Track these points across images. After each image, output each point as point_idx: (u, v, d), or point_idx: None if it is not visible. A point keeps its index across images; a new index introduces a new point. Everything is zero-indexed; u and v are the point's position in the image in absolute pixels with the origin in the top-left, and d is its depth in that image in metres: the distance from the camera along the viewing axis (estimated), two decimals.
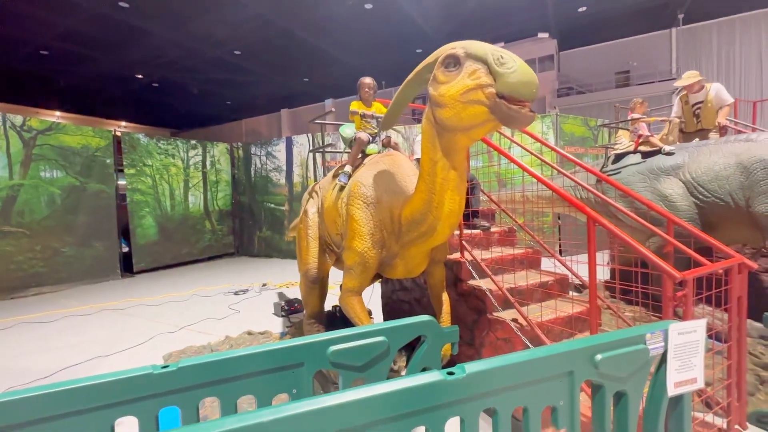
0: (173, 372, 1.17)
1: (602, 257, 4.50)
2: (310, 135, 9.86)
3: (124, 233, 8.67)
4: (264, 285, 6.80)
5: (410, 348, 2.47)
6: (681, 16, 15.30)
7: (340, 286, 2.48)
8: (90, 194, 7.84)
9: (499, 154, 2.47)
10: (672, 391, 1.33)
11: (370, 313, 2.95)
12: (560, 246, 7.46)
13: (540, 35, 22.85)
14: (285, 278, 7.31)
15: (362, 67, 16.34)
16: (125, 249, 8.66)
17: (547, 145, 3.15)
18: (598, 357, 1.21)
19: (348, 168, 2.62)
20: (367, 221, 2.17)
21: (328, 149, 3.83)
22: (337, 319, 3.88)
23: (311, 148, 9.53)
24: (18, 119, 6.97)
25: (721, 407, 1.88)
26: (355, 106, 2.83)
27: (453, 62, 1.62)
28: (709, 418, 1.97)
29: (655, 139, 4.23)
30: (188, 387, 1.18)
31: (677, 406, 1.40)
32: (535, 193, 5.51)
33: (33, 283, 6.92)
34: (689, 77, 4.34)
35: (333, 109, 3.39)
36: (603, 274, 4.21)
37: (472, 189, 3.28)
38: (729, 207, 3.38)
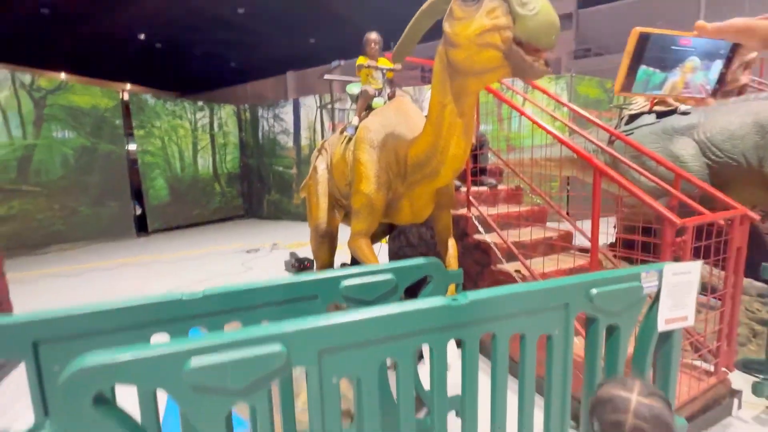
0: (200, 299, 1.28)
1: (608, 222, 4.52)
2: (317, 96, 9.70)
3: (137, 195, 8.86)
4: (274, 245, 7.00)
5: (413, 294, 2.60)
6: None
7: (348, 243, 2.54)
8: (101, 155, 7.95)
9: (509, 115, 2.44)
10: (662, 326, 1.42)
11: None
12: (567, 210, 7.47)
13: None
14: (294, 239, 7.49)
15: (371, 26, 15.73)
16: (139, 210, 8.88)
17: (561, 102, 3.10)
18: (594, 291, 1.29)
19: (355, 120, 2.65)
20: (373, 164, 2.21)
21: (337, 105, 3.82)
22: None
23: (318, 108, 9.40)
24: (27, 78, 6.96)
25: (710, 350, 1.98)
26: (362, 60, 2.82)
27: None
28: (698, 363, 2.09)
29: (672, 99, 4.12)
30: (214, 312, 1.30)
31: (667, 342, 1.49)
32: (544, 156, 5.45)
33: (54, 240, 7.20)
34: None
35: (341, 63, 3.33)
36: (607, 239, 4.27)
37: (480, 146, 3.28)
38: (741, 167, 3.35)
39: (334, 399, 1.04)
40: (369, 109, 2.81)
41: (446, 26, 1.63)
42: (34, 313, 1.12)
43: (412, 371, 1.12)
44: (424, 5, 1.77)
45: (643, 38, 0.81)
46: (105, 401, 0.87)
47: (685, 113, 3.84)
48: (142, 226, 8.80)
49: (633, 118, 4.44)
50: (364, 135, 2.31)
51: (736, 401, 2.01)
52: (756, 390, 2.03)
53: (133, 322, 1.20)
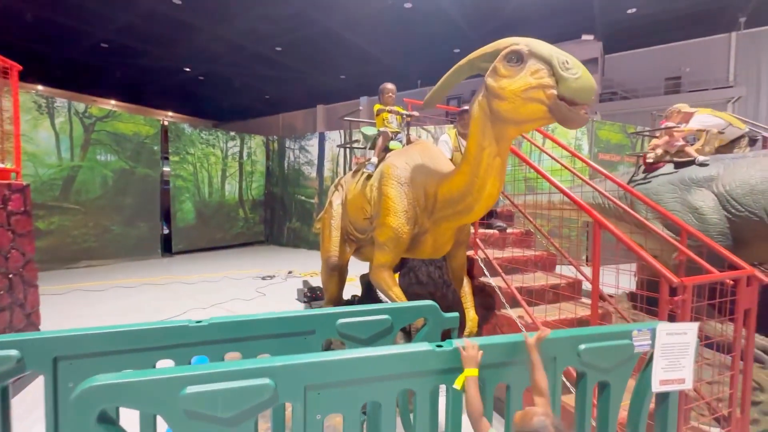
0: (205, 326, 1.38)
1: (630, 267, 4.42)
2: (341, 131, 10.13)
3: (165, 216, 9.30)
4: (290, 272, 7.12)
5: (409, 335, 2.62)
6: (743, 20, 14.31)
7: (360, 277, 2.62)
8: (138, 178, 8.48)
9: (528, 159, 2.52)
10: (657, 387, 1.40)
11: None
12: (586, 255, 7.30)
13: (584, 37, 21.91)
14: (310, 268, 7.60)
15: (398, 65, 16.46)
16: (165, 231, 9.30)
17: (573, 153, 3.15)
18: (582, 347, 1.31)
19: (374, 159, 2.82)
20: (401, 199, 2.33)
21: (355, 145, 4.03)
22: None
23: (340, 143, 9.80)
24: (81, 106, 7.66)
25: (721, 415, 1.88)
26: (380, 106, 3.05)
27: (516, 58, 1.70)
28: None
29: (690, 149, 4.12)
30: (216, 340, 1.39)
31: (663, 404, 1.46)
32: (561, 199, 5.44)
33: (85, 256, 7.60)
34: (670, 111, 4.34)
35: (360, 108, 3.55)
36: (629, 284, 4.15)
37: None
38: (763, 223, 3.26)
39: None
40: (386, 150, 2.98)
41: (490, 81, 1.81)
42: (57, 331, 1.25)
43: (394, 413, 1.16)
44: (462, 61, 1.97)
45: None
46: (109, 420, 0.96)
47: (703, 165, 3.81)
48: (167, 247, 9.18)
49: (651, 165, 4.43)
50: (391, 172, 2.44)
51: None
52: None
53: (144, 344, 1.30)
